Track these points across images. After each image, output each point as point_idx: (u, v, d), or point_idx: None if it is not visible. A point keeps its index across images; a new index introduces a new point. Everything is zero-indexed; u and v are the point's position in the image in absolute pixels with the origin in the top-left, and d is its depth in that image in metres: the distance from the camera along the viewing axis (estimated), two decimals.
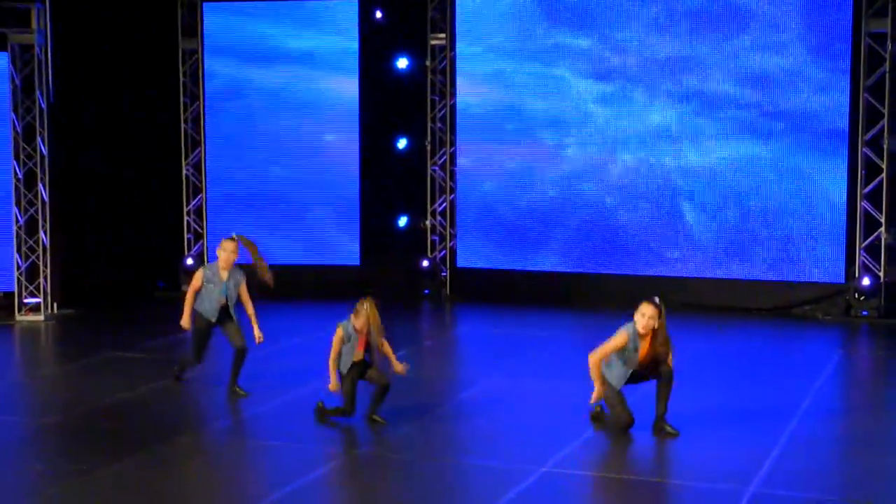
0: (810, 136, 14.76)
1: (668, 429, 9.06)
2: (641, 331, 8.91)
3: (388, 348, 9.57)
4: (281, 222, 16.91)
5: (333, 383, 9.40)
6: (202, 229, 17.17)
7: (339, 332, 9.38)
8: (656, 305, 8.91)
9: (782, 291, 15.13)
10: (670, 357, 9.07)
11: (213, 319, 10.48)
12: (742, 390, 10.79)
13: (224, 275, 10.49)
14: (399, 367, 9.53)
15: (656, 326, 8.91)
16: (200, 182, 17.27)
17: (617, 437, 9.11)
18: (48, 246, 14.99)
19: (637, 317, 8.92)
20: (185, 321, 10.60)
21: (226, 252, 10.48)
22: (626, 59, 15.49)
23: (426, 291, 16.76)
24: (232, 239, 10.56)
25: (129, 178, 16.80)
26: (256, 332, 10.49)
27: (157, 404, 10.40)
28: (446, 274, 16.82)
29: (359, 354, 9.40)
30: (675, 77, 15.30)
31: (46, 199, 14.97)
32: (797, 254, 14.94)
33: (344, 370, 9.42)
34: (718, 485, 7.93)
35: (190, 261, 17.04)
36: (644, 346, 8.94)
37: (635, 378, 9.10)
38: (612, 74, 15.59)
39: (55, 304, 15.10)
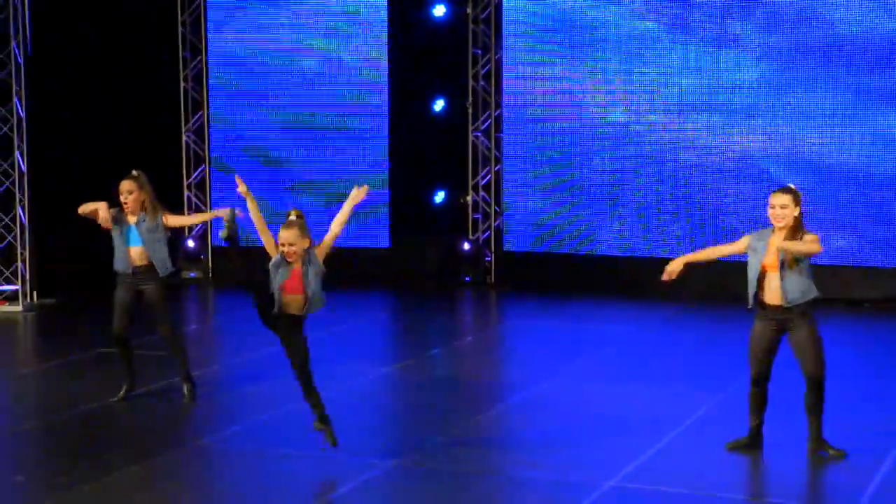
0: None
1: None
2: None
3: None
4: (296, 199, 16.83)
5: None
6: (205, 206, 17.11)
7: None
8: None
9: None
10: None
11: None
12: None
13: None
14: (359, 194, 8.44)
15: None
16: (203, 151, 17.21)
17: (709, 448, 8.97)
18: (27, 224, 14.95)
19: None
20: None
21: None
22: None
23: (467, 279, 16.68)
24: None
25: (119, 146, 16.72)
26: None
27: (155, 408, 10.37)
28: (490, 259, 16.74)
29: (291, 300, 8.35)
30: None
31: (24, 169, 14.93)
32: None
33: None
34: None
35: (191, 242, 16.99)
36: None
37: None
38: (715, 30, 15.36)
39: (34, 293, 15.08)
